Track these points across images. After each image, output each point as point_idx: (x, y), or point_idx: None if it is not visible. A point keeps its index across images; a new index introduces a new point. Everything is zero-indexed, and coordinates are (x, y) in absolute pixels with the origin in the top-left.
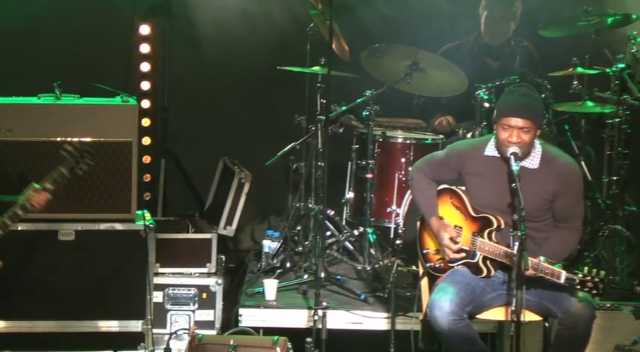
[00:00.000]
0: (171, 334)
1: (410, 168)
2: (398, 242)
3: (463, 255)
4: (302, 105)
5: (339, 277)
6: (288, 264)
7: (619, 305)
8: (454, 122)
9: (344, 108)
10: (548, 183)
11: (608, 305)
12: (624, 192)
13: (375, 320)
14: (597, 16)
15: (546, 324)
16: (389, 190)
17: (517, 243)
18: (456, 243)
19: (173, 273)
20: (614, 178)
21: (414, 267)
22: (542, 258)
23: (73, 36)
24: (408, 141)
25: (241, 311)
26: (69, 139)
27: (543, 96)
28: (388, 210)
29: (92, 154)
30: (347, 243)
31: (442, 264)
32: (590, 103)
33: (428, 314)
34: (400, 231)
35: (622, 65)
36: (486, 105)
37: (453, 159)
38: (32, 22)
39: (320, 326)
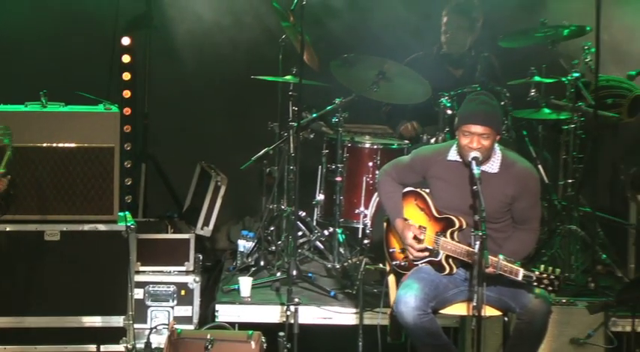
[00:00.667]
0: (151, 329)
1: (377, 172)
2: (366, 241)
3: (427, 253)
4: (275, 112)
5: (310, 275)
6: (262, 263)
7: (574, 300)
8: (419, 127)
9: (314, 115)
10: (507, 186)
11: (564, 300)
12: (579, 194)
13: (344, 316)
14: (553, 28)
15: (505, 319)
16: (357, 193)
17: (478, 243)
18: (419, 242)
19: (153, 271)
20: (570, 181)
21: (380, 265)
22: (501, 257)
23: (59, 47)
24: (375, 147)
25: (218, 307)
26: (57, 144)
27: (503, 103)
28: (356, 211)
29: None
30: (317, 243)
31: (407, 262)
32: (546, 110)
33: (394, 309)
34: (368, 231)
35: (577, 74)
36: (449, 112)
37: (418, 164)
38: (19, 33)
39: (292, 321)
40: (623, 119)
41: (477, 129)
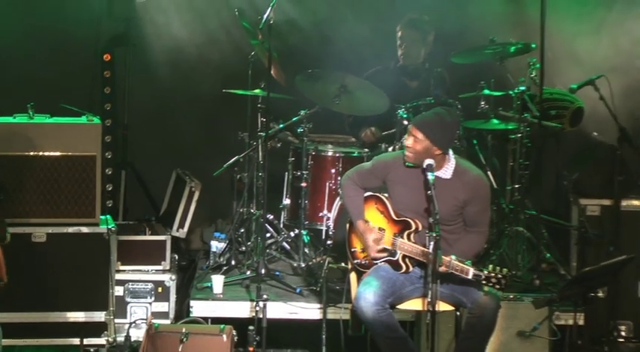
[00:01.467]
0: (130, 323)
1: (339, 178)
2: (329, 242)
3: (385, 254)
4: (245, 123)
5: (277, 273)
6: (233, 262)
7: (521, 296)
8: (378, 132)
9: (281, 125)
10: (459, 192)
11: (512, 296)
12: (525, 198)
13: (309, 311)
14: (501, 45)
15: (457, 313)
16: (321, 197)
17: (432, 243)
18: (378, 243)
19: (132, 270)
20: (517, 186)
21: (343, 264)
22: (453, 257)
23: (45, 63)
24: (337, 154)
25: (192, 303)
26: (43, 153)
27: (457, 117)
28: (320, 214)
29: None
30: (284, 244)
31: (367, 261)
32: (495, 121)
33: (355, 304)
34: (331, 233)
35: (523, 87)
36: (405, 122)
37: (379, 169)
38: (8, 51)
39: (261, 316)
40: (565, 129)
41: (413, 129)
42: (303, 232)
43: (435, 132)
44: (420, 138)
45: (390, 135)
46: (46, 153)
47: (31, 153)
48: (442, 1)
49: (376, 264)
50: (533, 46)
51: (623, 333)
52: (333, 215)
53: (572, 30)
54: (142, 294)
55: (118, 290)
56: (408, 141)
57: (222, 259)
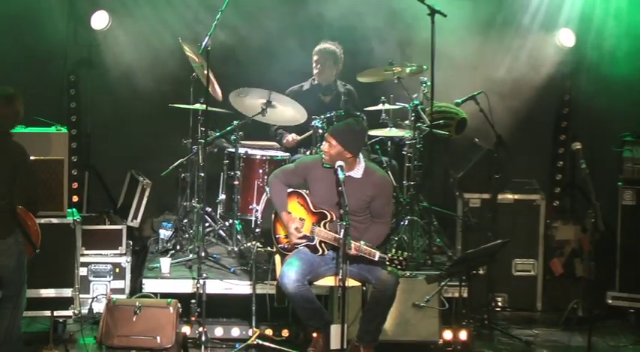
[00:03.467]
0: (93, 298)
1: (266, 177)
2: (257, 230)
3: (304, 240)
4: (187, 132)
5: (214, 256)
6: (177, 247)
7: (416, 274)
8: (297, 137)
9: (217, 134)
10: (368, 189)
11: (408, 274)
12: (419, 193)
13: (241, 287)
14: (399, 66)
15: (364, 288)
16: (250, 193)
17: (342, 231)
18: (299, 231)
19: (94, 254)
20: (412, 183)
21: (269, 248)
22: (362, 243)
23: (20, 81)
24: (264, 158)
25: (144, 281)
26: None
27: (363, 126)
28: (250, 207)
29: None
30: (220, 231)
31: (289, 246)
32: (394, 129)
33: (279, 281)
34: (259, 222)
35: (417, 102)
36: (320, 131)
37: (301, 169)
38: None
39: (201, 292)
40: (451, 136)
41: (329, 137)
42: (236, 222)
43: (346, 139)
44: (333, 144)
45: (306, 141)
46: None
47: None
48: (351, 30)
49: (297, 247)
50: (425, 67)
51: (499, 304)
52: (260, 208)
53: (457, 52)
54: (102, 274)
55: (83, 271)
56: (325, 146)
57: (169, 244)
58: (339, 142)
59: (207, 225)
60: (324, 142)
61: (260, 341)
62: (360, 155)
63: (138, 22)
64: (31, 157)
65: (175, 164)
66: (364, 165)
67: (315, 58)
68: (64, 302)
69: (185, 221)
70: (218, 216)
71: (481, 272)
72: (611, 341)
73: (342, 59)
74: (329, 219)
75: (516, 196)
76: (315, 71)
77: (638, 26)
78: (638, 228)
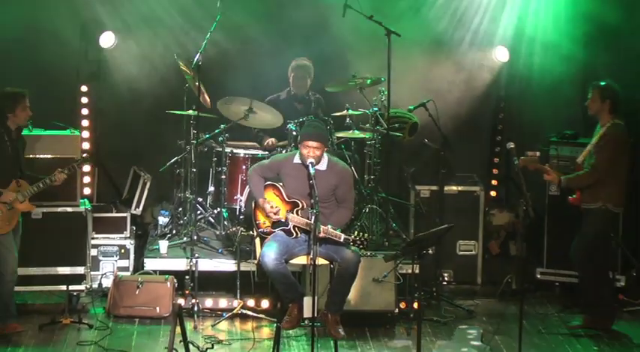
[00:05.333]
0: (102, 274)
1: (248, 171)
2: (241, 217)
3: (281, 225)
4: (182, 134)
5: (205, 239)
6: (174, 231)
7: (375, 253)
8: (276, 141)
9: (207, 136)
10: (332, 178)
11: (369, 253)
12: (377, 185)
13: (228, 265)
14: (360, 78)
15: (331, 266)
16: (235, 185)
17: (313, 217)
18: (274, 208)
19: (103, 237)
20: (372, 177)
21: (251, 232)
22: (329, 226)
23: (39, 91)
24: (246, 156)
25: (145, 260)
26: (38, 156)
27: (328, 127)
28: (235, 197)
29: (88, 160)
30: (210, 218)
31: (268, 230)
32: (357, 132)
33: (260, 260)
34: (242, 210)
35: (376, 108)
36: (294, 133)
37: (274, 165)
38: (12, 81)
39: (194, 269)
40: (405, 137)
41: (313, 144)
42: (223, 210)
43: (325, 137)
44: (318, 147)
45: (283, 144)
46: (41, 156)
47: (31, 156)
48: (321, 47)
49: (274, 231)
50: (383, 79)
51: (445, 278)
52: (243, 198)
53: (410, 66)
54: (110, 254)
55: (93, 252)
56: (310, 153)
57: (166, 229)
58: (322, 143)
59: (198, 212)
60: (305, 149)
61: (244, 311)
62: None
63: (139, 41)
64: (49, 156)
65: (171, 161)
66: (327, 158)
67: (292, 73)
68: (78, 278)
69: (180, 209)
70: (208, 205)
71: (430, 252)
72: (539, 310)
73: (313, 73)
74: (301, 207)
75: (460, 188)
76: (292, 83)
77: (560, 44)
78: (562, 214)
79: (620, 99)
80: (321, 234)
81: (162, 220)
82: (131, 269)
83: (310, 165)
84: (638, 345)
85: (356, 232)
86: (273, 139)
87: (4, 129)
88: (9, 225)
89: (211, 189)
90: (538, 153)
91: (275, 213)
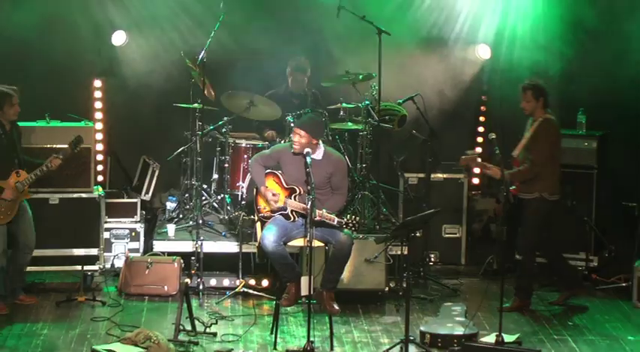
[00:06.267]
0: (114, 256)
1: (250, 160)
2: (243, 202)
3: (280, 210)
4: (188, 125)
5: (210, 222)
6: (180, 216)
7: (367, 236)
8: (276, 134)
9: (211, 127)
10: (327, 167)
11: (361, 236)
12: (369, 173)
13: (231, 246)
14: (353, 74)
15: (326, 248)
16: (237, 173)
17: (310, 202)
18: (275, 196)
19: (115, 221)
20: (364, 165)
21: (252, 217)
22: (324, 211)
23: (57, 85)
24: (248, 146)
25: (154, 242)
26: (55, 146)
27: (324, 119)
28: (237, 184)
29: (82, 142)
30: (214, 204)
31: (268, 214)
32: (350, 123)
33: (260, 242)
34: (244, 196)
35: (367, 102)
36: (292, 125)
37: (275, 154)
38: (31, 78)
39: (199, 251)
40: (394, 129)
41: (296, 130)
42: (226, 196)
43: (311, 128)
44: (302, 135)
45: (281, 133)
46: (58, 146)
47: (48, 146)
48: (317, 44)
49: (274, 216)
50: (374, 75)
51: (432, 259)
52: (245, 185)
53: (400, 62)
54: (121, 237)
55: (106, 234)
56: (295, 138)
57: (173, 214)
58: (307, 132)
59: (203, 198)
60: (293, 135)
61: (245, 289)
62: (320, 141)
63: (149, 39)
64: (65, 146)
65: (178, 151)
66: (323, 149)
67: (290, 73)
68: (92, 259)
69: (186, 195)
70: (212, 192)
71: (418, 234)
72: None
73: (309, 71)
74: (298, 192)
75: (445, 175)
76: (289, 80)
77: (537, 43)
78: None
79: (548, 93)
80: (317, 218)
81: (170, 205)
82: (141, 250)
83: (307, 154)
84: (608, 320)
85: (349, 216)
86: (273, 132)
87: None
88: (7, 217)
89: (215, 176)
90: (478, 151)
91: (276, 202)
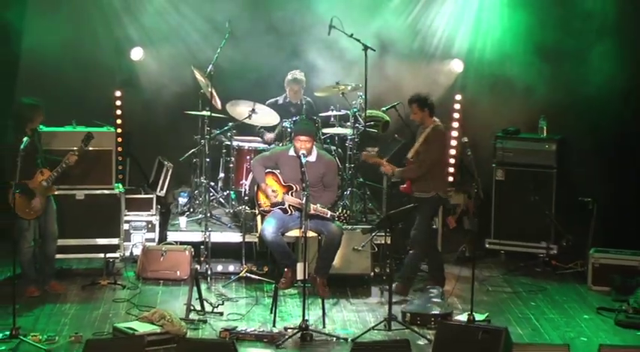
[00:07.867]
0: (133, 245)
1: (252, 161)
2: (246, 198)
3: (279, 205)
4: (197, 130)
5: (217, 216)
6: (191, 210)
7: (355, 227)
8: (274, 137)
9: (218, 132)
10: (320, 168)
11: (349, 227)
12: (357, 172)
13: (235, 237)
14: (343, 85)
15: (319, 238)
16: (241, 172)
17: (305, 198)
18: (275, 193)
19: (133, 214)
20: (352, 165)
21: (254, 210)
22: (318, 205)
23: (82, 95)
24: (250, 148)
25: (168, 233)
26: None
27: (317, 125)
28: (241, 182)
29: (92, 139)
30: (221, 199)
31: (268, 208)
32: (340, 128)
33: (261, 232)
34: (247, 192)
35: (355, 109)
36: (289, 130)
37: (273, 156)
38: (60, 90)
39: (208, 241)
40: (379, 133)
41: (304, 137)
42: (231, 192)
43: (312, 131)
44: (308, 140)
45: (279, 137)
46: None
47: (75, 148)
48: (313, 59)
49: (273, 210)
50: (361, 85)
51: None
52: (248, 182)
53: (383, 74)
54: (139, 228)
55: (126, 226)
56: (302, 145)
57: (185, 208)
58: (310, 136)
59: (211, 194)
60: (299, 143)
61: (248, 274)
62: (314, 145)
63: (163, 55)
64: (90, 148)
65: (189, 152)
66: (316, 151)
67: (288, 85)
68: (113, 248)
69: (196, 192)
70: (219, 188)
71: (400, 226)
72: (487, 273)
73: (304, 82)
74: (294, 189)
75: None
76: (288, 93)
77: (504, 58)
78: (507, 195)
79: (433, 102)
80: (311, 212)
81: (182, 200)
82: (156, 240)
83: (302, 156)
84: (566, 301)
85: (340, 209)
86: (272, 136)
87: (23, 133)
88: (38, 212)
89: (221, 175)
90: (377, 149)
91: (275, 197)
